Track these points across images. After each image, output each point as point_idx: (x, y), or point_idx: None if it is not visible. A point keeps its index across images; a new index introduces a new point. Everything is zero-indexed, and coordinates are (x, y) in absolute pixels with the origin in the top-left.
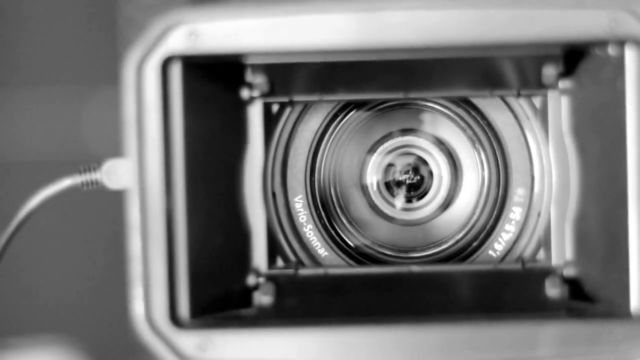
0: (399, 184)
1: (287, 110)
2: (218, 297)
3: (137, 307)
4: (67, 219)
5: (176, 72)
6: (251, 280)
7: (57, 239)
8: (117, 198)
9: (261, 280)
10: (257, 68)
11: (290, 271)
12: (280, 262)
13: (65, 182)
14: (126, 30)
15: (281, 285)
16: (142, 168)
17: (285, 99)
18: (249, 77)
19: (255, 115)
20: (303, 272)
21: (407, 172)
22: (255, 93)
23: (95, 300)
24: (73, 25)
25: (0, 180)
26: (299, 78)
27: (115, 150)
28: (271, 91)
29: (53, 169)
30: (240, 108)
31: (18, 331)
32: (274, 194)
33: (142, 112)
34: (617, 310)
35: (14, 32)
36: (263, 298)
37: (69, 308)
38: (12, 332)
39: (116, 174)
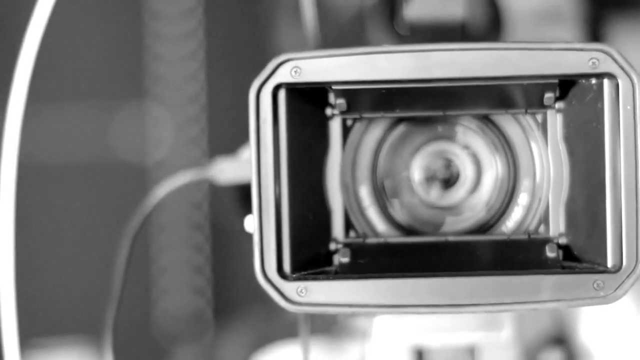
0: (435, 178)
1: (358, 124)
2: (310, 258)
3: (257, 265)
4: (93, 222)
5: (282, 96)
6: (332, 246)
7: (84, 241)
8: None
9: (339, 246)
10: (338, 93)
11: (360, 240)
12: (352, 233)
13: (183, 178)
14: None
15: (353, 250)
16: (259, 166)
17: (357, 116)
18: (332, 99)
19: (335, 128)
20: (369, 241)
21: (442, 169)
22: (336, 111)
23: (121, 301)
24: (103, 44)
25: (42, 181)
26: (368, 100)
27: (138, 155)
28: (347, 110)
29: (87, 172)
30: (325, 122)
31: (45, 331)
32: (347, 186)
33: (260, 124)
34: (598, 267)
35: (52, 50)
36: (341, 259)
37: (95, 308)
38: (39, 332)
39: (224, 172)
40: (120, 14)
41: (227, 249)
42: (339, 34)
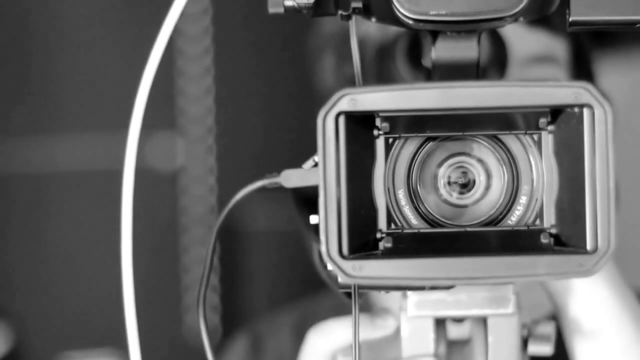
0: (456, 183)
1: (397, 141)
2: (362, 243)
3: (323, 249)
4: (118, 240)
5: (342, 121)
6: (378, 235)
7: (109, 255)
8: (163, 213)
9: (383, 235)
10: (383, 118)
11: (399, 230)
12: (392, 225)
13: (259, 183)
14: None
15: (394, 238)
16: (325, 174)
17: (396, 135)
18: (378, 123)
19: (380, 145)
20: (405, 231)
21: (460, 177)
22: (381, 132)
23: (149, 314)
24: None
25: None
26: (405, 123)
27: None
28: (389, 131)
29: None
30: (372, 140)
31: (73, 344)
32: (388, 189)
33: (325, 143)
34: (580, 249)
35: (76, 80)
36: (385, 244)
37: (122, 322)
38: (67, 345)
39: (290, 179)
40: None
41: (235, 251)
42: (367, 67)
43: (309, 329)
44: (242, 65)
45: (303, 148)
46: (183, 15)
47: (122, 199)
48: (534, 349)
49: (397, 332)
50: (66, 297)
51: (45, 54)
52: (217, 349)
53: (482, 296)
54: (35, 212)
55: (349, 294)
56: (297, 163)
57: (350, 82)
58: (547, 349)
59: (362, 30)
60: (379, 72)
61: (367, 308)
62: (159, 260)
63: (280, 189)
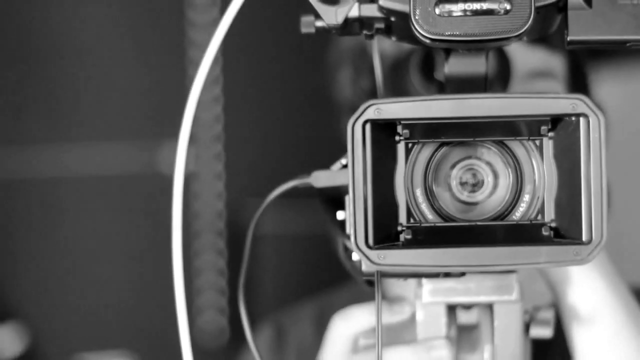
0: (467, 184)
1: (415, 146)
2: (385, 236)
3: (352, 240)
4: (131, 243)
5: (368, 128)
6: (399, 228)
7: (122, 258)
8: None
9: (404, 228)
10: (404, 126)
11: (417, 224)
12: (412, 220)
13: (291, 183)
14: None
15: (413, 231)
16: (354, 174)
17: (415, 141)
18: (399, 130)
19: (401, 149)
20: (423, 225)
21: (471, 178)
22: (402, 138)
23: (161, 316)
24: (146, 85)
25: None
26: (422, 130)
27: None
28: (409, 137)
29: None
30: (394, 145)
31: (87, 346)
32: (408, 188)
33: (354, 147)
34: (576, 241)
35: (91, 91)
36: (405, 236)
37: (138, 322)
38: (81, 347)
39: (319, 179)
40: (165, 64)
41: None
42: (383, 80)
43: (330, 317)
44: (249, 75)
45: (307, 154)
46: (194, 24)
47: (172, 203)
48: (536, 332)
49: (413, 317)
50: (80, 299)
51: (61, 67)
52: (226, 351)
53: (488, 284)
54: (49, 217)
55: (370, 282)
56: (302, 169)
57: (366, 93)
58: (547, 333)
59: (378, 46)
60: (394, 84)
61: (383, 297)
62: (170, 263)
63: (287, 194)
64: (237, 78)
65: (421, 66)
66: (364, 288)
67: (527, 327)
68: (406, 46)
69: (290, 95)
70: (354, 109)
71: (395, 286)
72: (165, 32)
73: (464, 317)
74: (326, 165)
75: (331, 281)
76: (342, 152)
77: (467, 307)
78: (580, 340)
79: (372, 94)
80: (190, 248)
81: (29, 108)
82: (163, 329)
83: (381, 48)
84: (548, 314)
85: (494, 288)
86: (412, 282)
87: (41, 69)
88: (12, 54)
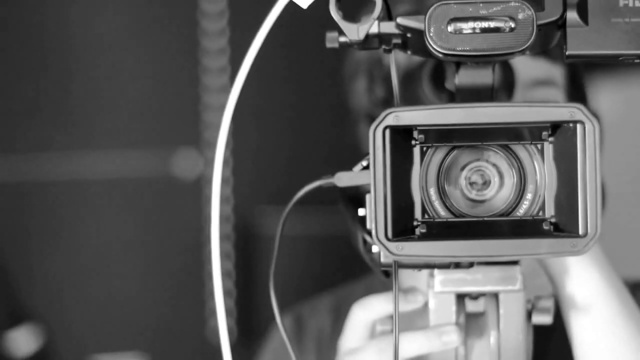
0: (475, 184)
1: (429, 150)
2: (402, 229)
3: (373, 233)
4: (145, 246)
5: (387, 133)
6: (414, 223)
7: (136, 260)
8: (189, 222)
9: (419, 223)
10: (419, 131)
11: (431, 220)
12: (426, 216)
13: (316, 183)
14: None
15: (427, 225)
16: (374, 175)
17: (429, 145)
18: (415, 135)
19: (416, 152)
20: (436, 220)
21: (479, 178)
22: (417, 142)
23: (175, 318)
24: (162, 98)
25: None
26: (435, 135)
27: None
28: (424, 141)
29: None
30: (410, 149)
31: (101, 347)
32: (422, 187)
33: (375, 150)
34: (573, 234)
35: (107, 98)
36: (421, 230)
37: (150, 325)
38: (95, 348)
39: (342, 179)
40: (179, 73)
41: (249, 257)
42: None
43: (346, 308)
44: (258, 82)
45: (311, 159)
46: (207, 33)
47: (211, 207)
48: (537, 319)
49: (425, 305)
50: (94, 300)
51: (81, 79)
52: (233, 351)
53: (494, 275)
54: (65, 220)
55: (386, 273)
56: (308, 174)
57: (381, 101)
58: (547, 319)
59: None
60: (406, 93)
61: (398, 287)
62: (184, 266)
63: (302, 201)
64: (244, 85)
65: (431, 76)
66: (381, 278)
67: (529, 315)
68: (417, 58)
69: (296, 102)
70: (369, 116)
71: (409, 278)
72: (178, 41)
73: (471, 306)
74: (332, 169)
75: (344, 278)
76: (343, 156)
77: (475, 297)
78: (578, 327)
79: (386, 101)
80: (202, 252)
81: (50, 117)
82: (175, 330)
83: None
84: (548, 303)
85: (499, 279)
86: (424, 274)
87: (62, 81)
88: (35, 66)
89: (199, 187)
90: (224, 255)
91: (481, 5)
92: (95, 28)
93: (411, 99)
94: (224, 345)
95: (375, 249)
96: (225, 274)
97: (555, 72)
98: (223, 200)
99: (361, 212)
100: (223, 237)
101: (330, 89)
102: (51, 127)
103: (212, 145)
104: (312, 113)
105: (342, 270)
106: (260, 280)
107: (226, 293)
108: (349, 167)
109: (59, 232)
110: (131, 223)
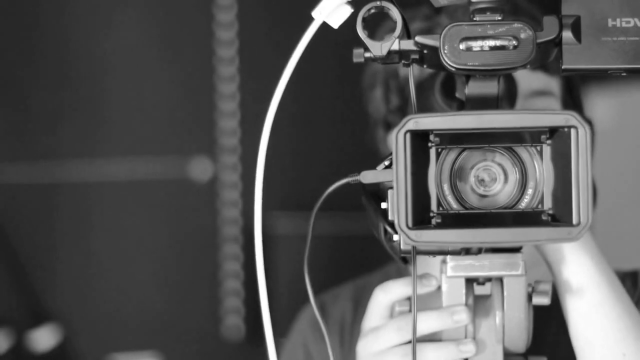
0: (483, 181)
1: (444, 151)
2: (420, 219)
3: (395, 222)
4: (162, 247)
5: (408, 137)
6: (430, 214)
7: (153, 261)
8: (199, 222)
9: (434, 214)
10: (435, 134)
11: (445, 211)
12: (440, 208)
13: (344, 180)
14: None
15: (442, 216)
16: (397, 172)
17: (443, 146)
18: (432, 138)
19: (432, 153)
20: (449, 212)
21: (486, 176)
22: (433, 144)
23: (191, 318)
24: (176, 106)
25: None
26: (449, 138)
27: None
28: (439, 143)
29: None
30: (427, 150)
31: (118, 346)
32: (437, 183)
33: (397, 151)
34: (568, 224)
35: (121, 108)
36: (436, 220)
37: (166, 325)
38: (112, 348)
39: (367, 177)
40: (194, 81)
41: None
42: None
43: (365, 295)
44: (266, 89)
45: (314, 163)
46: (217, 39)
47: (254, 211)
48: (537, 300)
49: (438, 289)
50: (113, 301)
51: (101, 89)
52: (240, 350)
53: (499, 262)
54: (83, 221)
55: (404, 260)
56: (313, 178)
57: (397, 109)
58: (545, 301)
59: (405, 70)
60: (420, 101)
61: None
62: (200, 267)
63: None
64: (253, 92)
65: (442, 87)
66: (400, 265)
67: (530, 297)
68: (428, 71)
69: (304, 109)
70: (386, 122)
71: (424, 266)
72: (194, 49)
73: (479, 289)
74: (338, 176)
75: (351, 275)
76: (350, 162)
77: (482, 281)
78: (572, 308)
79: (400, 109)
80: (218, 253)
81: (77, 126)
82: (191, 330)
83: (406, 71)
84: (547, 286)
85: (503, 265)
86: (437, 262)
87: (91, 92)
88: (63, 77)
89: (214, 190)
90: (233, 258)
91: (489, 26)
92: (118, 40)
93: (424, 106)
94: (269, 343)
95: (395, 237)
96: (233, 275)
97: (553, 83)
98: (232, 204)
99: (383, 205)
100: (231, 239)
101: (340, 97)
102: (77, 135)
103: (226, 151)
104: (320, 120)
105: (359, 266)
106: (267, 281)
107: (234, 293)
108: (356, 171)
109: (80, 234)
110: (148, 225)
